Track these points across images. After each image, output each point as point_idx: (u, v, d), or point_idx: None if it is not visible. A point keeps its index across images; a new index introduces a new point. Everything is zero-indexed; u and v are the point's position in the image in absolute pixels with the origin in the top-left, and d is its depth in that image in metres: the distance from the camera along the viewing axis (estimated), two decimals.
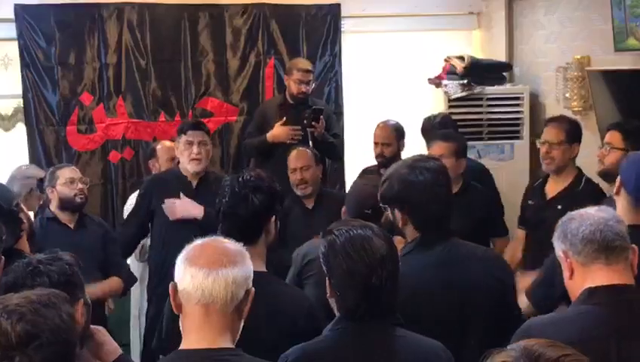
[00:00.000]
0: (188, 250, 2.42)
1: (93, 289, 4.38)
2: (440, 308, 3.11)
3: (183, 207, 5.09)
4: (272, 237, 3.38)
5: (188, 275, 2.34)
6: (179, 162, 5.47)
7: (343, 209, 4.30)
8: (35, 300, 1.88)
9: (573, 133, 5.08)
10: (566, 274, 2.82)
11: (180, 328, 2.42)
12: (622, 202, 3.47)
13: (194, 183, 5.35)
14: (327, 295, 2.74)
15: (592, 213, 2.82)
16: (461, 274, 3.20)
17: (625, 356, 2.58)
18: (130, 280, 5.26)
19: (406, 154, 5.98)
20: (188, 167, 5.31)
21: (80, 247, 4.29)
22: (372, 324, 2.67)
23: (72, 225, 5.07)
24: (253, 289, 2.44)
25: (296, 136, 6.29)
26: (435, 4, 7.78)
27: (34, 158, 6.75)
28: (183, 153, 5.31)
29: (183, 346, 2.40)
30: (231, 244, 2.49)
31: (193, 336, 2.37)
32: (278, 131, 6.36)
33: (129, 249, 5.49)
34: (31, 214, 4.88)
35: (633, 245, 2.80)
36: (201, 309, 2.34)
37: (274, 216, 3.36)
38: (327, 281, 2.73)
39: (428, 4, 7.75)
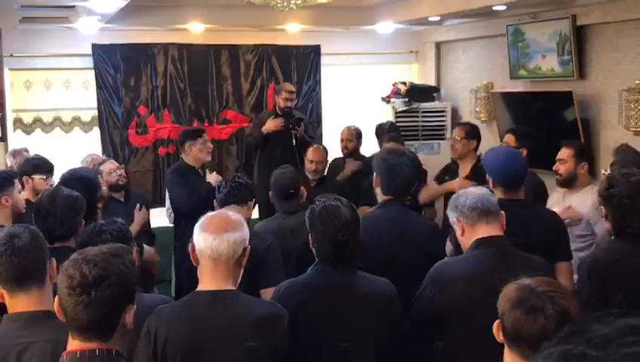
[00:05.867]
0: (202, 220, 2.36)
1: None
2: (392, 253, 3.15)
3: None
4: (250, 206, 3.55)
5: (201, 238, 2.30)
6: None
7: (271, 193, 4.09)
8: (105, 252, 1.83)
9: (470, 132, 5.03)
10: (459, 233, 2.81)
11: (198, 275, 2.36)
12: (498, 193, 3.32)
13: (200, 171, 5.14)
14: (310, 245, 2.71)
15: (473, 190, 2.85)
16: (407, 229, 3.24)
17: (505, 284, 2.47)
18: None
19: (364, 150, 6.08)
20: (207, 158, 5.14)
21: (129, 214, 4.30)
22: (340, 268, 2.65)
23: (122, 199, 4.84)
24: (249, 246, 2.36)
25: (279, 125, 6.15)
26: (386, 45, 7.75)
27: (105, 152, 6.71)
28: (202, 149, 5.05)
29: (198, 288, 2.34)
30: (233, 215, 2.43)
31: (206, 281, 2.32)
32: (269, 124, 6.18)
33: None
34: None
35: (503, 211, 2.81)
36: (211, 262, 2.28)
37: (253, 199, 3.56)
38: (310, 236, 2.70)
39: (381, 45, 7.73)
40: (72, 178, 3.81)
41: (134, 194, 5.12)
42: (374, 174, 3.42)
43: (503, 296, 1.83)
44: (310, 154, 5.38)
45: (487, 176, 3.45)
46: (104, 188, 4.33)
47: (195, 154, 5.10)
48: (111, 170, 4.82)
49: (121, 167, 5.09)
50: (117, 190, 4.84)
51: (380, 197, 3.38)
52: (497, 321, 1.84)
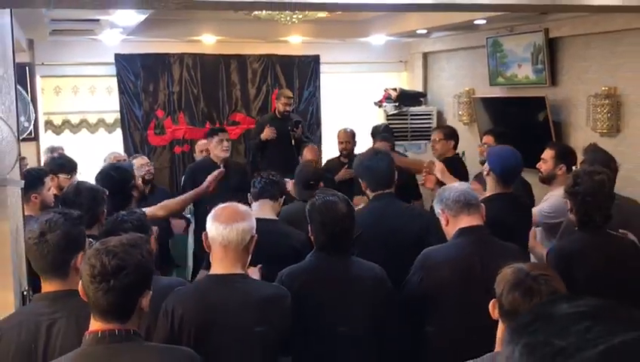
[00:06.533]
0: (214, 211, 2.38)
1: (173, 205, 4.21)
2: (386, 242, 3.10)
3: None
4: (281, 203, 3.47)
5: (213, 227, 2.32)
6: (208, 153, 5.20)
7: (291, 182, 4.02)
8: (125, 243, 1.82)
9: (448, 133, 5.06)
10: (444, 223, 2.82)
11: (210, 261, 2.39)
12: (490, 181, 3.32)
13: (221, 166, 4.94)
14: (309, 234, 2.71)
15: (456, 186, 2.87)
16: (399, 218, 3.20)
17: (485, 268, 2.55)
18: (187, 223, 5.21)
19: (358, 149, 5.97)
20: (221, 155, 5.02)
21: (153, 204, 4.18)
22: (335, 255, 2.65)
23: (146, 192, 4.90)
24: (256, 235, 2.37)
25: (273, 134, 6.17)
26: (378, 55, 7.76)
27: (127, 151, 6.71)
28: (217, 147, 5.00)
29: (210, 272, 2.37)
30: (242, 207, 2.42)
31: (217, 266, 2.34)
32: (265, 132, 6.24)
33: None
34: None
35: (482, 204, 2.81)
36: (222, 249, 2.31)
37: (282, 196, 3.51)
38: (310, 227, 2.69)
39: (374, 55, 7.74)
40: (109, 167, 3.86)
41: (158, 188, 5.22)
42: (360, 180, 3.35)
43: (500, 279, 1.86)
44: (309, 153, 5.35)
45: (486, 166, 3.36)
46: (139, 182, 4.26)
47: (211, 150, 5.10)
48: (142, 165, 4.94)
49: (151, 164, 5.14)
50: (144, 183, 4.88)
51: (369, 193, 3.34)
52: (493, 300, 1.87)
